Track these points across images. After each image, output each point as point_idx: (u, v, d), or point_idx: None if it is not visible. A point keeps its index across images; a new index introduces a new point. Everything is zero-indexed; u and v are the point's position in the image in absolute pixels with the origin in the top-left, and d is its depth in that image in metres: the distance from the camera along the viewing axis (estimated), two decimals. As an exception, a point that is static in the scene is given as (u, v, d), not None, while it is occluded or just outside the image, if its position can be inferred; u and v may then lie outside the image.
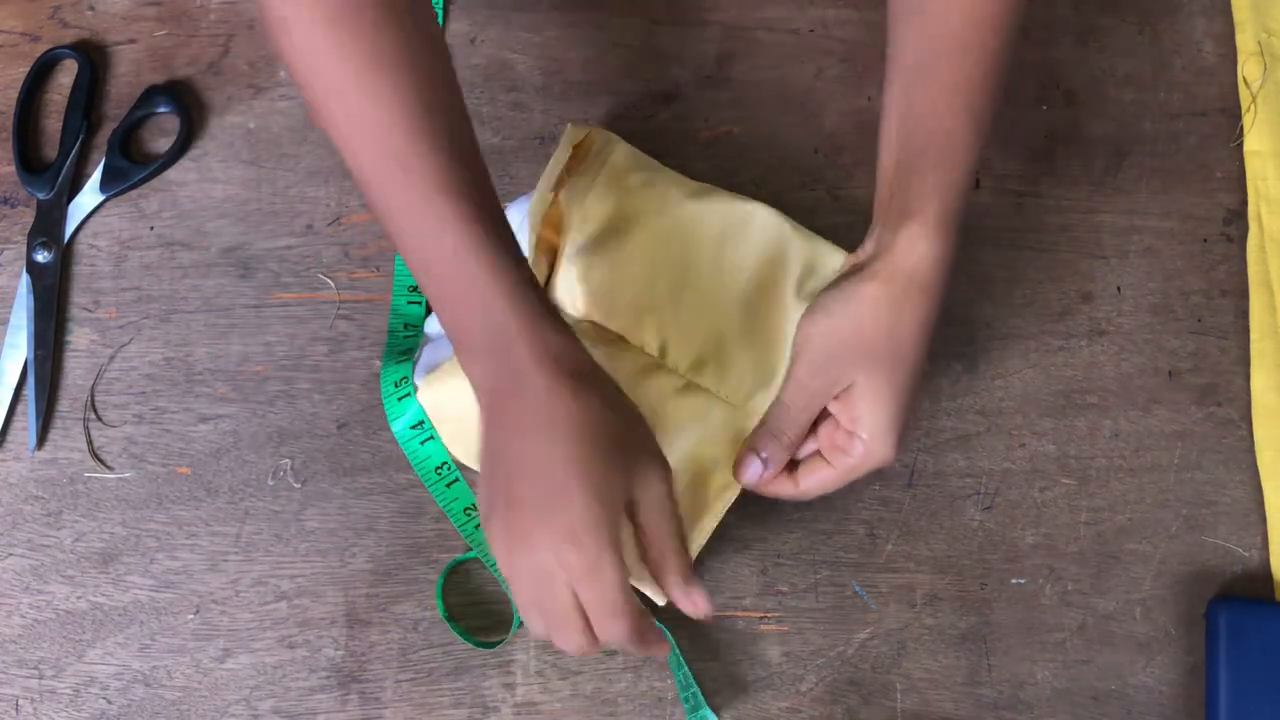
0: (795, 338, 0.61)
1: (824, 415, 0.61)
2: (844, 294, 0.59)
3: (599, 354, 0.58)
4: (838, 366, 0.58)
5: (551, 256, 0.67)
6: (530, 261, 0.63)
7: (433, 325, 0.69)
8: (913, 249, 0.58)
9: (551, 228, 0.67)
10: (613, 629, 0.53)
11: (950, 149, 0.59)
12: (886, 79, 0.61)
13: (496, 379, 0.53)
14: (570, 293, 0.66)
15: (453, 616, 0.67)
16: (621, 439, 0.53)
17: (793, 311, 0.66)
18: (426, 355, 0.67)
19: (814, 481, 0.61)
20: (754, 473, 0.61)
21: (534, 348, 0.53)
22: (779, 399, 0.61)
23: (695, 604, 0.56)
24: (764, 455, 0.60)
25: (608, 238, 0.67)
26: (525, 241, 0.66)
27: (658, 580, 0.56)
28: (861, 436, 0.58)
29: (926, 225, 0.58)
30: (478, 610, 0.68)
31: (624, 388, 0.57)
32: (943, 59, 0.59)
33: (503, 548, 0.53)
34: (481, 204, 0.53)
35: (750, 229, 0.68)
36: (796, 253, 0.67)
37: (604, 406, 0.53)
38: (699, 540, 0.64)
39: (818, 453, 0.61)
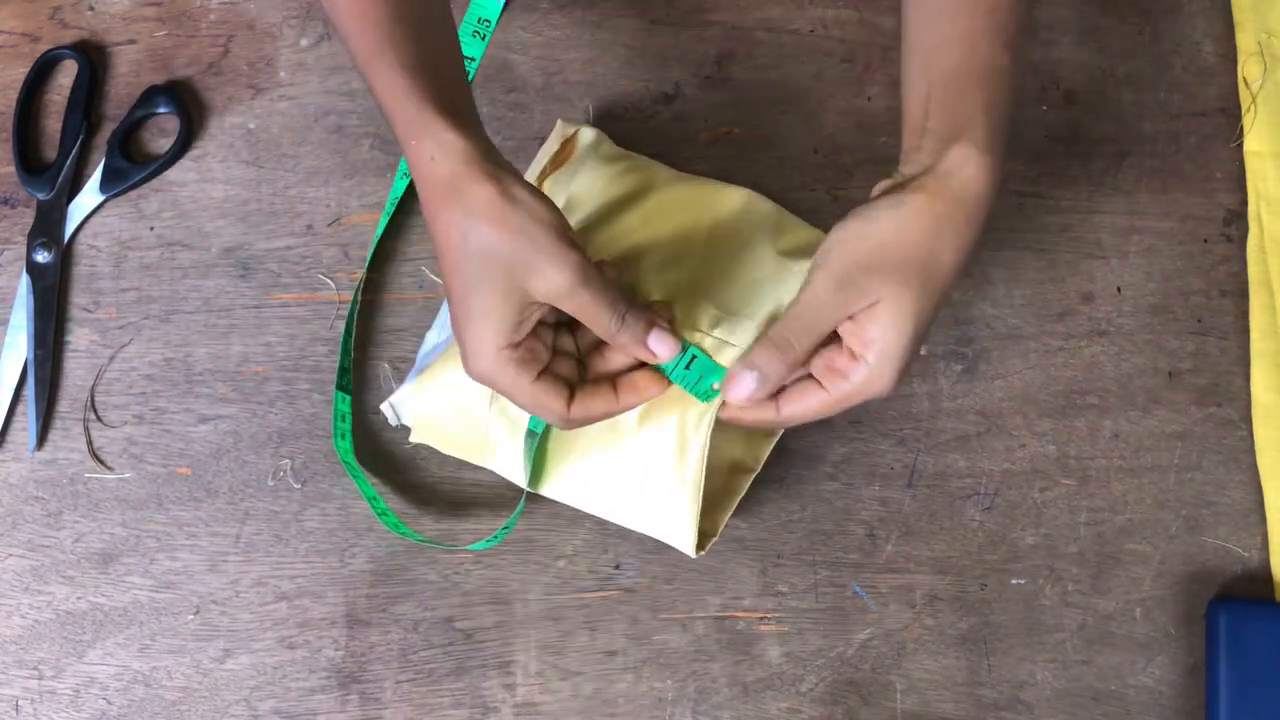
0: (821, 247, 0.56)
1: (827, 339, 0.56)
2: (887, 204, 0.55)
3: None
4: (866, 278, 0.54)
5: None
6: None
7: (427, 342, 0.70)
8: (962, 169, 0.54)
9: None
10: (553, 422, 0.57)
11: (993, 73, 0.57)
12: (905, 14, 0.60)
13: (414, 172, 0.55)
14: None
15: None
16: (499, 238, 0.53)
17: (769, 265, 0.65)
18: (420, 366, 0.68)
19: (800, 408, 0.56)
20: (745, 390, 0.56)
21: (418, 154, 0.54)
22: (789, 310, 0.56)
23: (661, 348, 0.57)
24: (762, 369, 0.56)
25: (593, 221, 0.67)
26: None
27: (618, 354, 0.57)
28: (868, 360, 0.54)
29: (976, 145, 0.54)
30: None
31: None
32: None
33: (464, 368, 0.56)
34: (431, 60, 0.55)
35: (730, 201, 0.67)
36: (776, 219, 0.67)
37: (475, 205, 0.53)
38: (721, 520, 0.64)
39: (808, 376, 0.57)
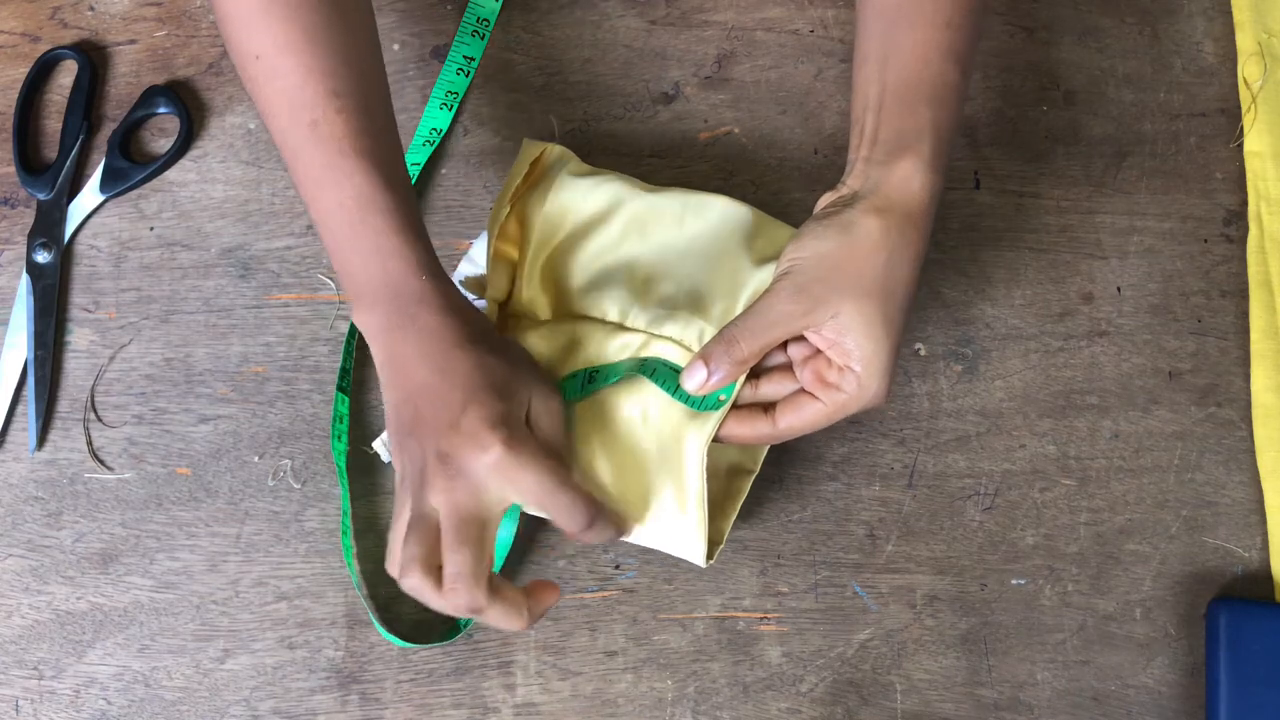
0: (779, 262, 0.59)
1: (812, 354, 0.58)
2: (838, 221, 0.57)
3: (558, 327, 0.62)
4: (825, 291, 0.56)
5: (511, 269, 0.67)
6: (489, 271, 0.66)
7: None
8: (908, 184, 0.57)
9: (510, 242, 0.67)
10: (562, 505, 0.55)
11: (943, 88, 0.59)
12: (861, 22, 0.62)
13: (388, 322, 0.57)
14: (536, 301, 0.66)
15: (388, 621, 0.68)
16: (511, 363, 0.57)
17: (746, 274, 0.65)
18: None
19: (797, 419, 0.58)
20: (695, 380, 0.58)
21: (422, 290, 0.56)
22: (746, 311, 0.59)
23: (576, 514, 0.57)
24: (710, 362, 0.58)
25: (570, 240, 0.67)
26: (484, 254, 0.67)
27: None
28: (855, 369, 0.56)
29: (922, 160, 0.57)
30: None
31: (589, 353, 0.62)
32: (928, 2, 0.60)
33: (413, 473, 0.55)
34: (382, 161, 0.57)
35: (709, 210, 0.68)
36: (755, 227, 0.67)
37: (488, 327, 0.59)
38: (725, 526, 0.65)
39: (801, 391, 0.59)
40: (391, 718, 0.67)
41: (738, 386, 0.60)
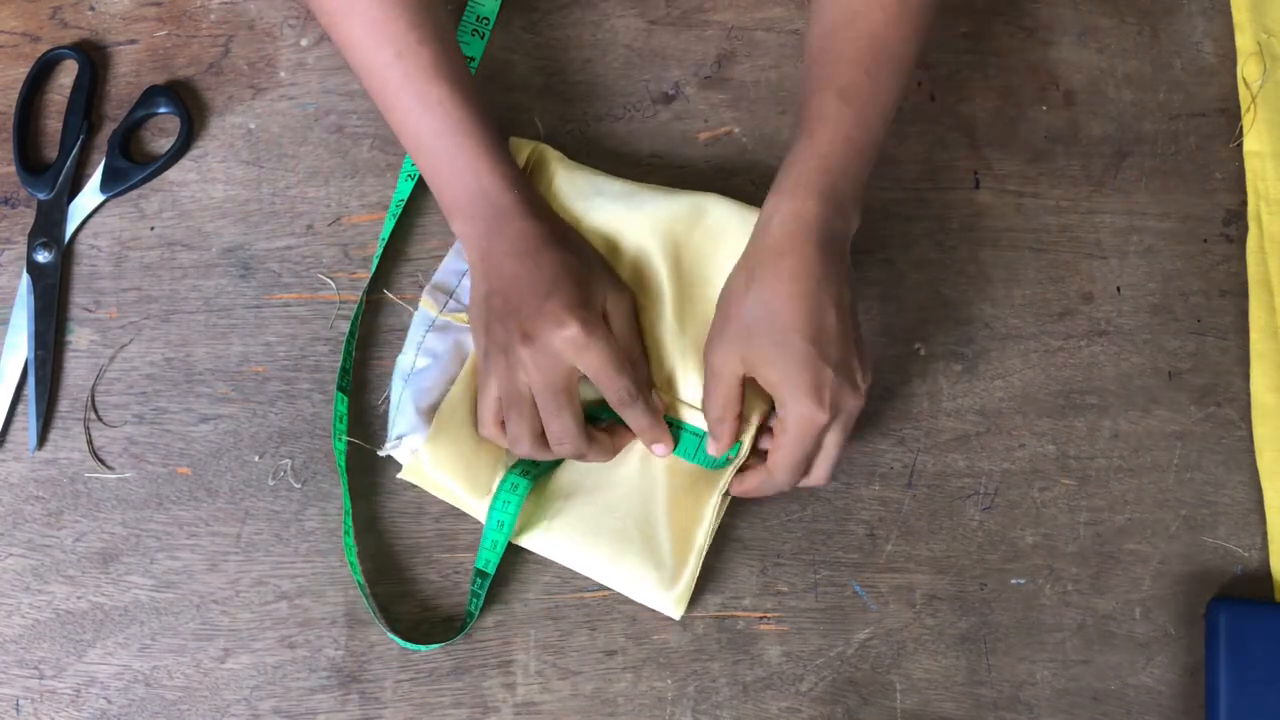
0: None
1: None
2: (726, 280, 0.64)
3: None
4: (731, 352, 0.62)
5: None
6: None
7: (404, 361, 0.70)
8: (768, 221, 0.62)
9: None
10: (618, 386, 0.63)
11: (809, 121, 0.63)
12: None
13: (486, 229, 0.64)
14: None
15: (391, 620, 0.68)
16: (589, 265, 0.65)
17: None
18: (413, 385, 0.68)
19: (774, 456, 0.63)
20: (745, 485, 0.66)
21: (515, 200, 0.64)
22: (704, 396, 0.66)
23: (656, 408, 0.66)
24: (721, 452, 0.66)
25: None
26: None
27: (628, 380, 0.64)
28: (778, 398, 0.61)
29: (780, 195, 0.62)
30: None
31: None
32: (820, 40, 0.65)
33: (532, 336, 0.62)
34: (464, 87, 0.64)
35: (705, 219, 0.69)
36: (741, 217, 0.69)
37: (568, 229, 0.67)
38: (703, 542, 0.67)
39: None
40: (391, 717, 0.67)
41: (745, 445, 0.66)
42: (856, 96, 0.63)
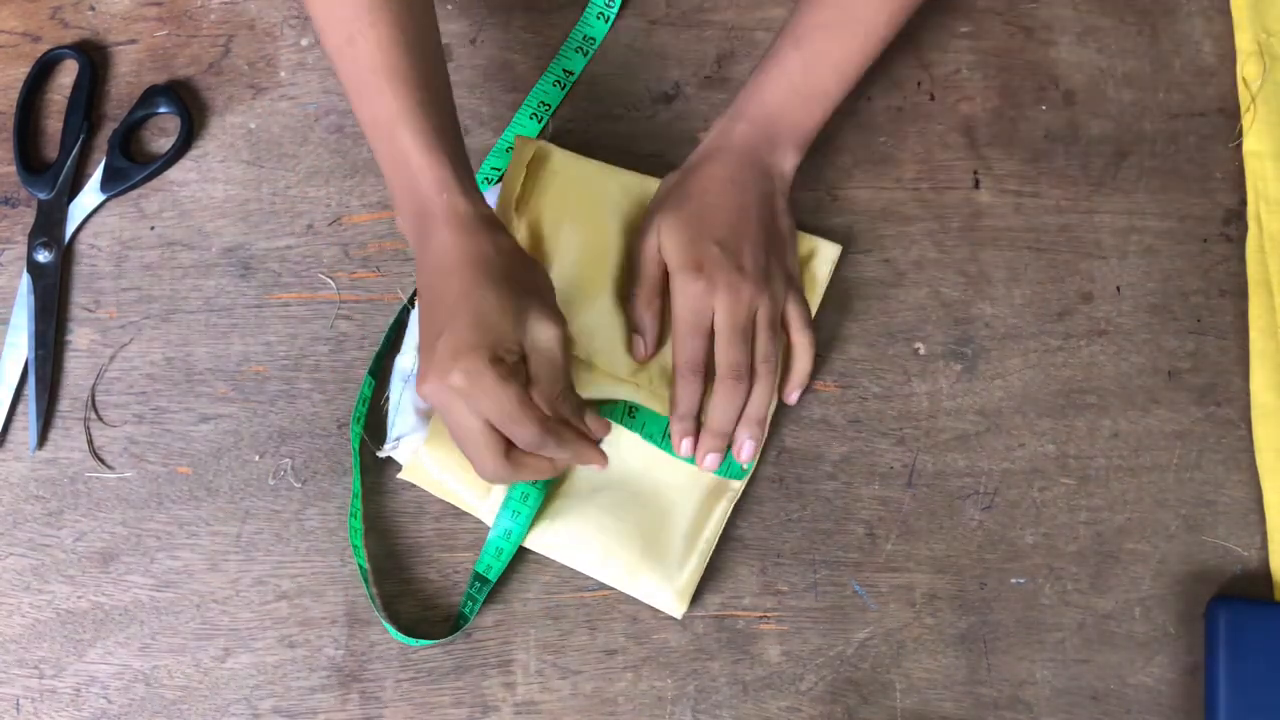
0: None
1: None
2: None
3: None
4: (651, 235, 0.67)
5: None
6: None
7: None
8: (706, 136, 0.70)
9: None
10: (520, 434, 0.59)
11: (763, 61, 0.70)
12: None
13: (415, 231, 0.61)
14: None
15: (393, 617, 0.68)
16: (510, 278, 0.59)
17: None
18: (413, 386, 0.68)
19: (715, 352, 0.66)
20: (639, 351, 0.68)
21: (444, 206, 0.60)
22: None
23: (595, 431, 0.64)
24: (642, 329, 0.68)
25: (569, 245, 0.69)
26: None
27: (549, 424, 0.60)
28: (671, 276, 0.66)
29: (719, 119, 0.70)
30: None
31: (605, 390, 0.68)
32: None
33: (422, 381, 0.59)
34: (414, 79, 0.61)
35: None
36: None
37: (494, 251, 0.60)
38: (705, 548, 0.68)
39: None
40: (391, 716, 0.67)
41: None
42: (810, 46, 0.68)
